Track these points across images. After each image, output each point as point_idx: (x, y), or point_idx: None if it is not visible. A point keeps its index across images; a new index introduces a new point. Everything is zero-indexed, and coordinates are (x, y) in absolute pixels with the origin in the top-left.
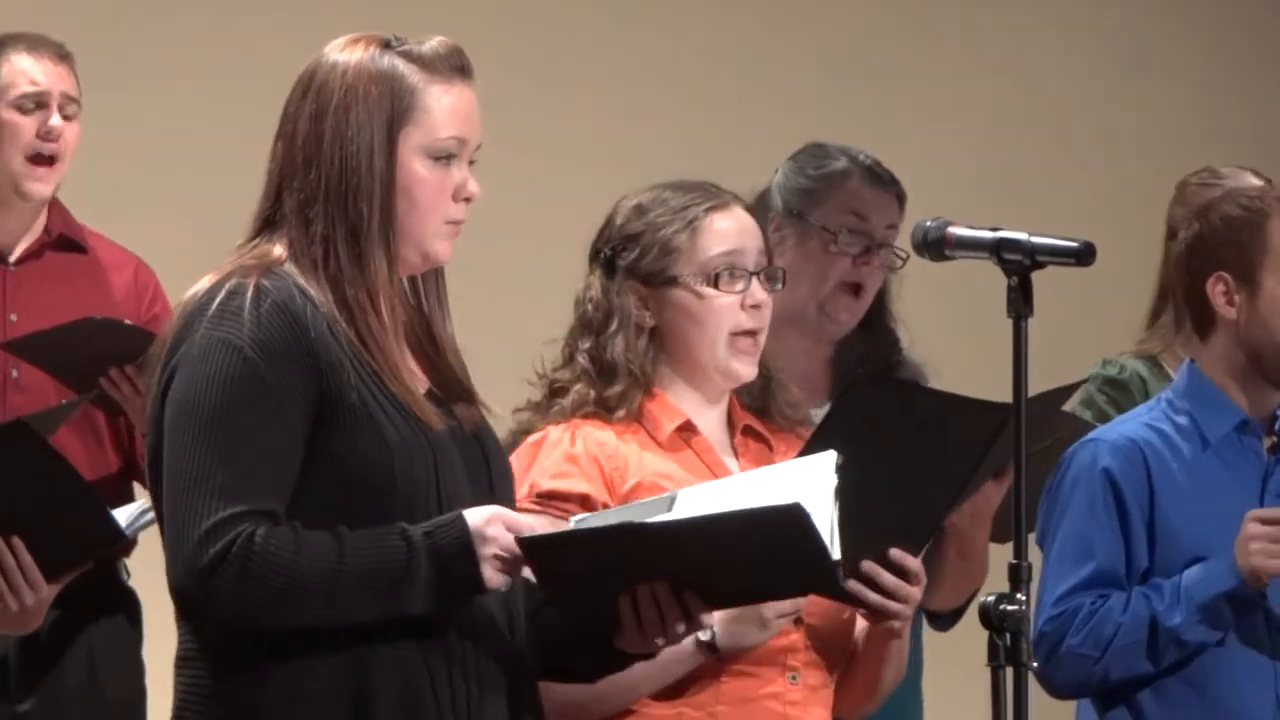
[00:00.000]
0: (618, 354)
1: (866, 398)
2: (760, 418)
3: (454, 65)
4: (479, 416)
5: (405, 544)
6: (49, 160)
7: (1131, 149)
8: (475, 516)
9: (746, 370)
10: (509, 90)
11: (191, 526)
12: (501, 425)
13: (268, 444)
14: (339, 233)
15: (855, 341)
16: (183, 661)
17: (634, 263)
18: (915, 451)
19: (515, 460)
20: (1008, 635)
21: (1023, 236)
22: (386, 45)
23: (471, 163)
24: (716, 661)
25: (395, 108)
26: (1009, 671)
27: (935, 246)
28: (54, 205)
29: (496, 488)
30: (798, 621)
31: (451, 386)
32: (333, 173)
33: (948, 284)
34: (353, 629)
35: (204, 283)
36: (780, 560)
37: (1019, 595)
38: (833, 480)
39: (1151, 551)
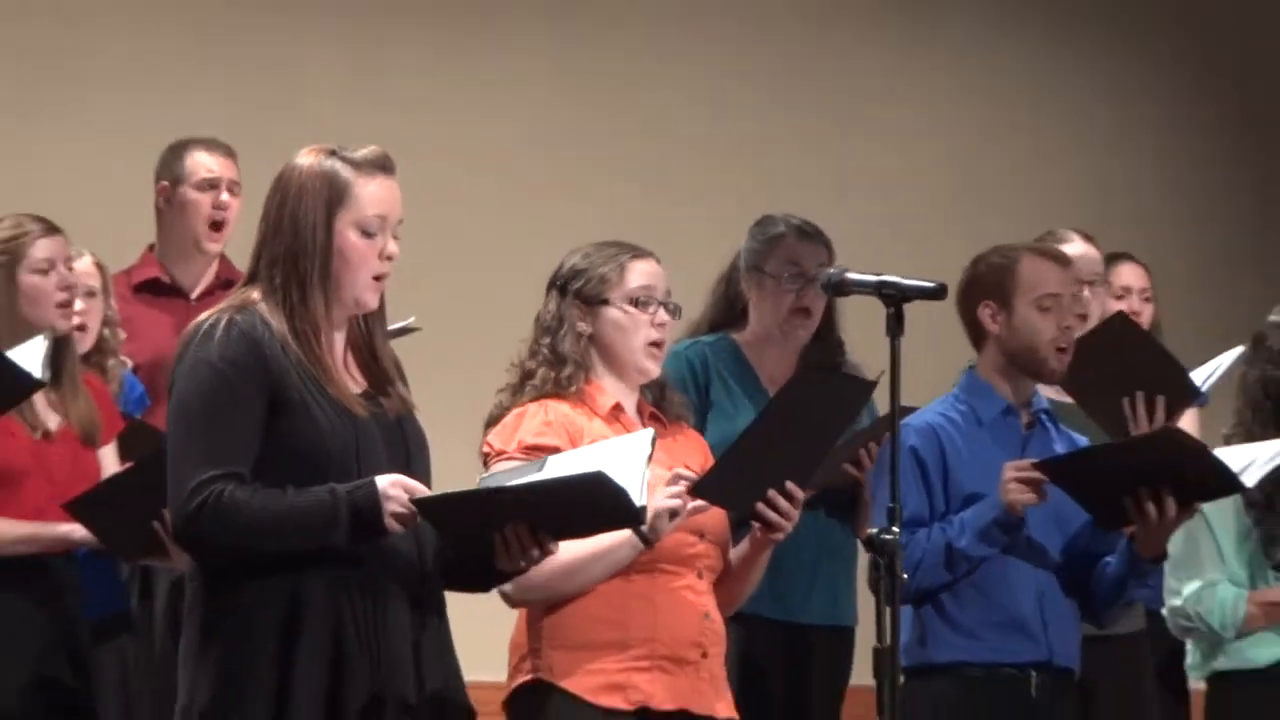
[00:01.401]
0: (567, 348)
1: (795, 388)
2: (657, 408)
3: (378, 164)
4: (402, 408)
5: (331, 497)
6: (219, 226)
7: (994, 207)
8: (382, 481)
9: (654, 368)
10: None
11: (181, 487)
12: (425, 416)
13: (233, 428)
14: (291, 283)
15: (811, 349)
16: (188, 579)
17: (579, 289)
18: (814, 417)
19: (504, 426)
20: (886, 556)
21: (897, 279)
22: (331, 153)
23: (395, 237)
24: (651, 561)
25: (332, 195)
26: (887, 582)
27: (838, 287)
28: (221, 257)
29: (413, 459)
30: (703, 536)
31: (383, 385)
32: (288, 242)
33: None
34: (295, 556)
35: (202, 317)
36: (598, 506)
37: (894, 528)
38: (647, 450)
39: (946, 500)
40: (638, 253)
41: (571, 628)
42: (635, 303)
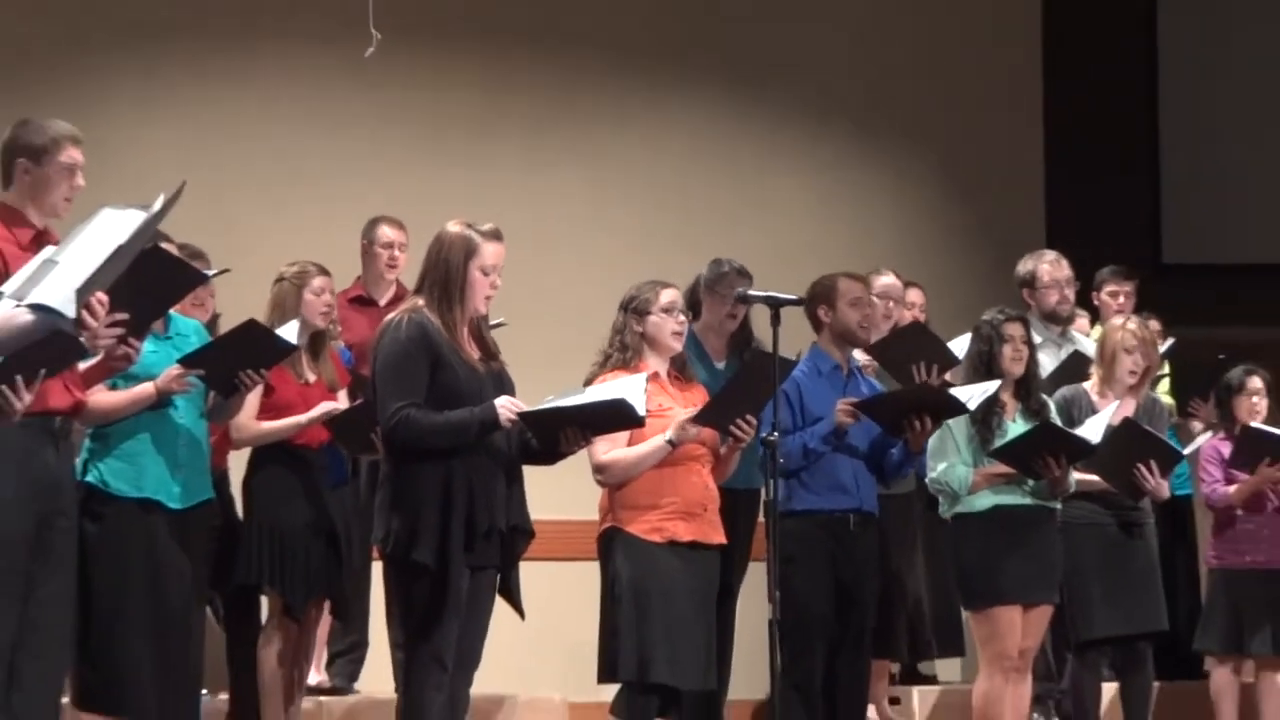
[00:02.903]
0: (629, 341)
1: (756, 362)
2: (679, 374)
3: (494, 234)
4: (499, 366)
5: (469, 414)
6: (393, 266)
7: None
8: (500, 400)
9: (678, 347)
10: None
11: (385, 411)
12: (511, 370)
13: (412, 378)
14: (442, 298)
15: (734, 336)
16: (382, 463)
17: (634, 307)
18: (757, 377)
19: (597, 383)
20: (770, 449)
21: (775, 294)
22: (468, 225)
23: (498, 281)
24: (675, 458)
25: (468, 250)
26: (771, 464)
27: (745, 300)
28: (396, 282)
29: (505, 392)
30: (703, 444)
31: (488, 353)
32: (441, 275)
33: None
34: (444, 450)
35: (391, 315)
36: (618, 416)
37: (774, 435)
38: (643, 385)
39: (803, 419)
40: (665, 284)
41: (631, 496)
42: (665, 312)
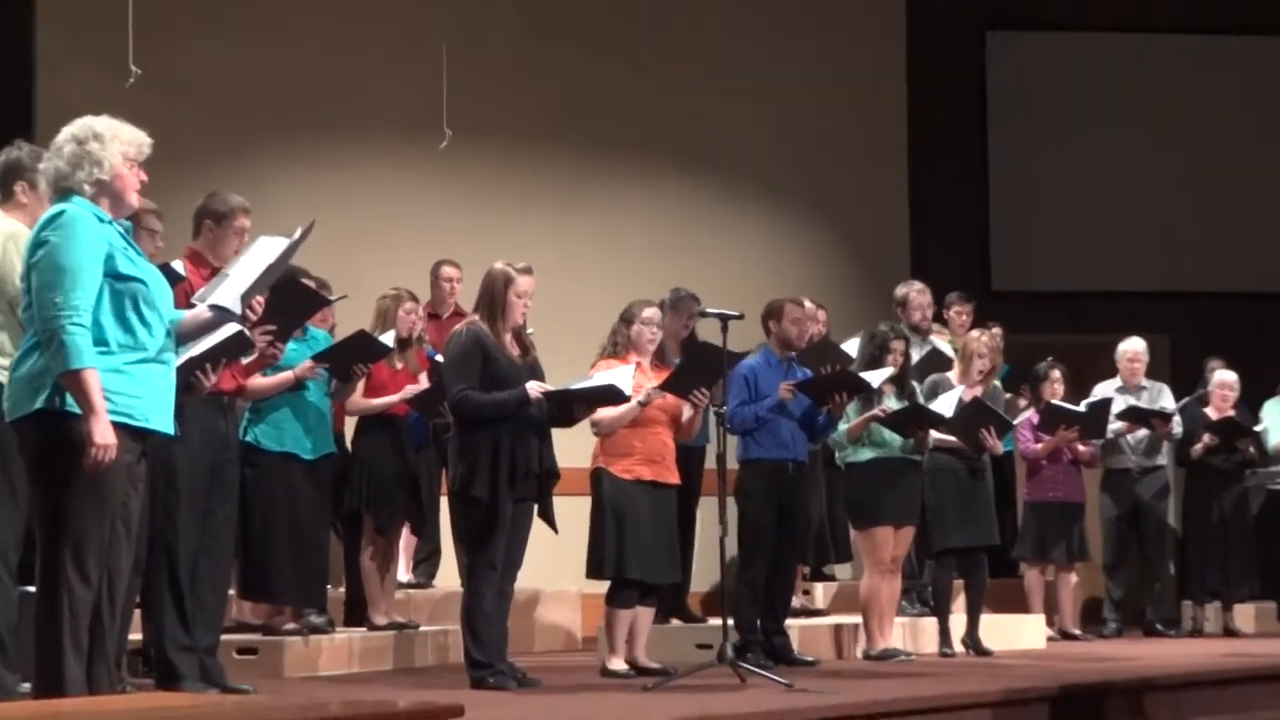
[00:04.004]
0: (620, 340)
1: (690, 350)
2: (659, 361)
3: (528, 270)
4: (534, 361)
5: (509, 395)
6: (453, 294)
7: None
8: (530, 385)
9: (653, 347)
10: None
11: (451, 390)
12: (548, 364)
13: (469, 368)
14: (490, 314)
15: (687, 340)
16: (451, 426)
17: (625, 318)
18: (702, 360)
19: (596, 367)
20: (726, 417)
21: (724, 311)
22: (509, 264)
23: (529, 303)
24: (644, 418)
25: (507, 280)
26: (726, 427)
27: (700, 315)
28: (456, 305)
29: (538, 379)
30: (664, 410)
31: (525, 351)
32: (489, 300)
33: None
34: (494, 418)
35: (458, 326)
36: (612, 394)
37: (724, 407)
38: (631, 373)
39: (755, 395)
40: (649, 303)
41: (612, 447)
42: (644, 323)
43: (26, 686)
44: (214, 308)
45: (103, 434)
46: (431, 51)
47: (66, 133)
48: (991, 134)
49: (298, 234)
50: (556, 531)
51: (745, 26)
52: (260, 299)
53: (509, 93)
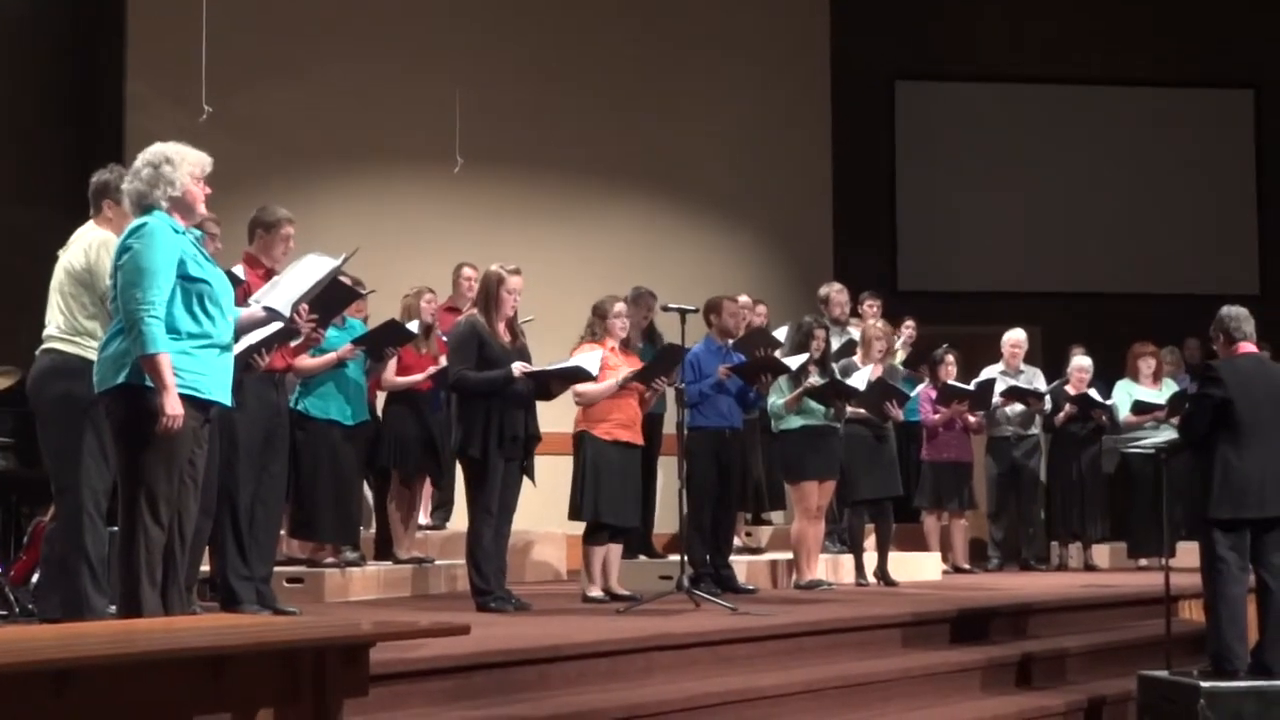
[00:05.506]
0: (597, 330)
1: (661, 353)
2: (625, 349)
3: (516, 270)
4: (523, 346)
5: (499, 373)
6: (471, 291)
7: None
8: (515, 365)
9: (621, 336)
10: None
11: (451, 371)
12: (534, 348)
13: (468, 352)
14: (487, 308)
15: (646, 330)
16: (453, 400)
17: (598, 312)
18: (667, 360)
19: (577, 351)
20: (681, 394)
21: (682, 305)
22: (502, 266)
23: (518, 299)
24: (620, 393)
25: (499, 279)
26: (683, 400)
27: (663, 309)
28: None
29: (525, 361)
30: (633, 390)
31: (515, 338)
32: (485, 298)
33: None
34: (487, 392)
35: (460, 318)
36: (581, 373)
37: (681, 384)
38: (599, 356)
39: (701, 375)
40: (616, 298)
41: (594, 413)
42: (614, 317)
43: (113, 609)
44: (267, 309)
45: (172, 406)
46: (446, 93)
47: (142, 158)
48: (899, 163)
49: (342, 258)
50: (535, 484)
51: (696, 70)
52: (305, 306)
53: (508, 127)
